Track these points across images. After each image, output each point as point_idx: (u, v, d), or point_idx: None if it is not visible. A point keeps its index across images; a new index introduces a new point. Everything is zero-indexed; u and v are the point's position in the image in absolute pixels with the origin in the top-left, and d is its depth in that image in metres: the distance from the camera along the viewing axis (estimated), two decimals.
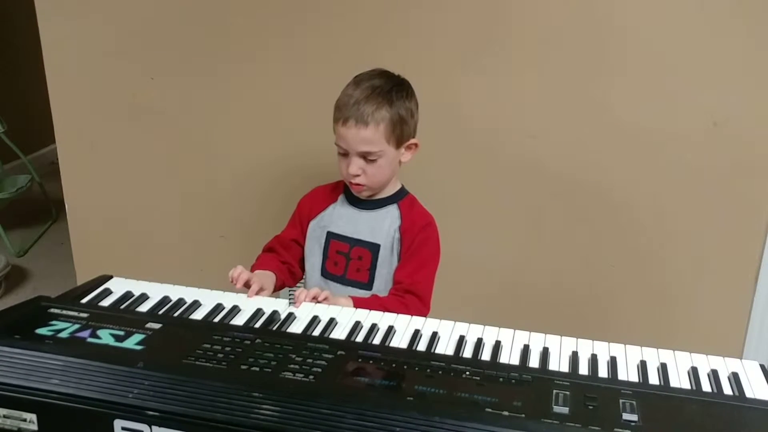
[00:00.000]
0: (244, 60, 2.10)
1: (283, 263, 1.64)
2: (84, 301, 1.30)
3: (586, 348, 1.20)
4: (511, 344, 1.21)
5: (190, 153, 2.24)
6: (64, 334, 1.13)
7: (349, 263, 1.61)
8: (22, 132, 3.70)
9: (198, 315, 1.29)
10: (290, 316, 1.30)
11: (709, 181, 1.93)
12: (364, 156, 1.51)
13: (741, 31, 1.81)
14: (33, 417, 1.03)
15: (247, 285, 1.42)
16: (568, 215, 2.04)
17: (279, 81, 2.09)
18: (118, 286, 1.37)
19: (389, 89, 1.52)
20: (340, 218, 1.63)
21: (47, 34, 2.21)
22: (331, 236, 1.63)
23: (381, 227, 1.60)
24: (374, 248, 1.60)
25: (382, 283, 1.60)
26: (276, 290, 1.57)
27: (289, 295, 1.74)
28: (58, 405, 1.01)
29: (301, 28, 2.03)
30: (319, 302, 1.39)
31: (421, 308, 1.55)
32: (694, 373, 1.13)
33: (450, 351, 1.19)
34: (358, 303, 1.45)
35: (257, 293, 1.42)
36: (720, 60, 1.84)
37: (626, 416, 0.97)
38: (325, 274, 1.64)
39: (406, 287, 1.55)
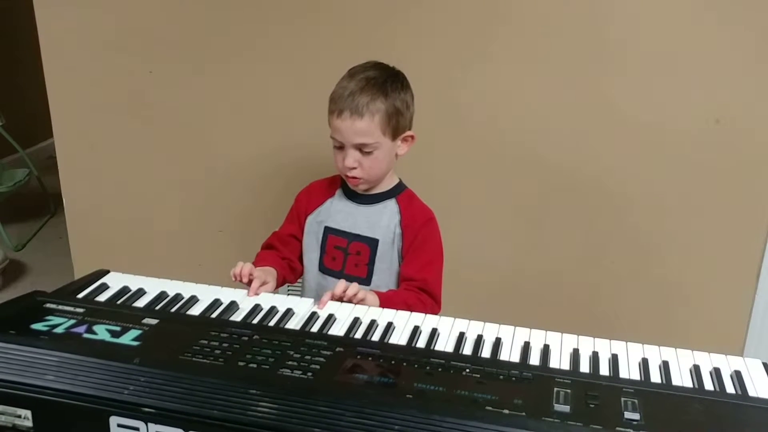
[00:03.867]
0: (243, 54, 2.09)
1: (283, 259, 1.63)
2: (80, 296, 1.29)
3: (587, 345, 1.19)
4: (512, 341, 1.20)
5: (188, 147, 2.23)
6: (59, 330, 1.12)
7: (347, 258, 1.60)
8: (20, 126, 3.69)
9: (195, 311, 1.28)
10: (288, 312, 1.28)
11: (712, 178, 1.92)
12: (360, 148, 1.50)
13: (744, 29, 1.80)
14: (28, 413, 1.02)
15: (250, 280, 1.42)
16: (569, 212, 2.03)
17: (278, 76, 2.08)
18: (114, 281, 1.36)
19: (384, 81, 1.51)
20: (338, 213, 1.62)
21: (45, 28, 2.20)
22: (328, 231, 1.62)
23: (379, 222, 1.59)
24: (373, 243, 1.59)
25: (381, 278, 1.59)
26: (278, 286, 1.56)
27: (288, 291, 1.73)
28: (53, 401, 1.00)
29: (300, 22, 2.02)
30: (349, 301, 1.37)
31: (435, 307, 1.54)
32: (696, 371, 1.12)
33: (450, 348, 1.18)
34: (382, 297, 1.44)
35: (260, 287, 1.41)
36: (723, 58, 1.83)
37: (628, 415, 0.96)
38: (323, 269, 1.63)
39: (420, 285, 1.54)
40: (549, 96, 1.94)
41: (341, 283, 1.38)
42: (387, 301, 1.44)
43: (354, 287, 1.38)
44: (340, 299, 1.37)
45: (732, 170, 1.90)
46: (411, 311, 1.33)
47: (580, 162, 1.98)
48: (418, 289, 1.53)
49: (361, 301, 1.38)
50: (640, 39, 1.86)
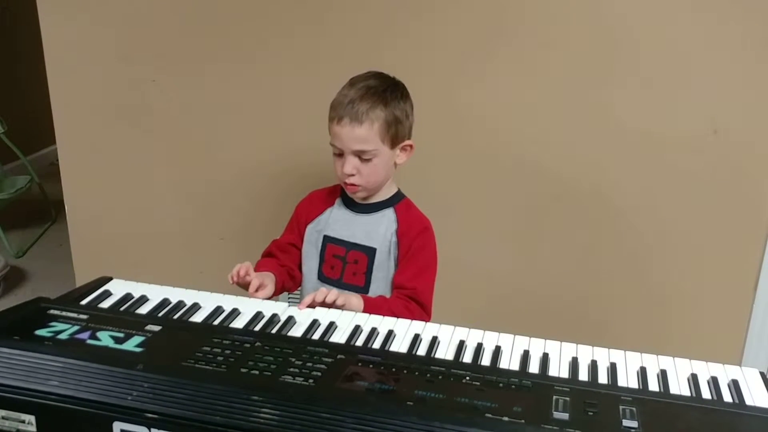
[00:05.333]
0: (246, 64, 2.10)
1: (282, 266, 1.64)
2: (84, 302, 1.30)
3: (585, 354, 1.20)
4: (511, 349, 1.21)
5: (190, 155, 2.24)
6: (63, 336, 1.13)
7: (346, 267, 1.61)
8: (22, 133, 3.70)
9: (198, 317, 1.29)
10: (290, 320, 1.29)
11: (710, 187, 1.93)
12: (359, 155, 1.51)
13: (742, 39, 1.82)
14: (32, 419, 1.02)
15: (245, 283, 1.42)
16: (567, 220, 2.04)
17: (280, 85, 2.09)
18: (117, 288, 1.36)
19: (384, 89, 1.53)
20: (337, 222, 1.63)
21: (49, 35, 2.21)
22: (327, 240, 1.63)
23: (377, 231, 1.60)
24: (370, 252, 1.60)
25: (379, 287, 1.60)
26: (277, 293, 1.57)
27: (289, 299, 1.74)
28: (57, 407, 1.00)
29: (301, 31, 2.03)
30: (330, 306, 1.38)
31: (424, 316, 1.54)
32: (693, 379, 1.13)
33: (450, 356, 1.18)
34: (368, 302, 1.46)
35: (257, 289, 1.42)
36: (721, 68, 1.85)
37: (626, 423, 0.97)
38: (322, 277, 1.64)
39: (409, 294, 1.54)
40: (547, 105, 1.96)
41: (321, 291, 1.39)
42: (372, 306, 1.45)
43: (333, 294, 1.39)
44: (322, 304, 1.38)
45: (730, 180, 1.91)
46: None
47: (578, 171, 1.99)
48: (408, 298, 1.54)
49: (341, 307, 1.39)
50: (639, 49, 1.87)
